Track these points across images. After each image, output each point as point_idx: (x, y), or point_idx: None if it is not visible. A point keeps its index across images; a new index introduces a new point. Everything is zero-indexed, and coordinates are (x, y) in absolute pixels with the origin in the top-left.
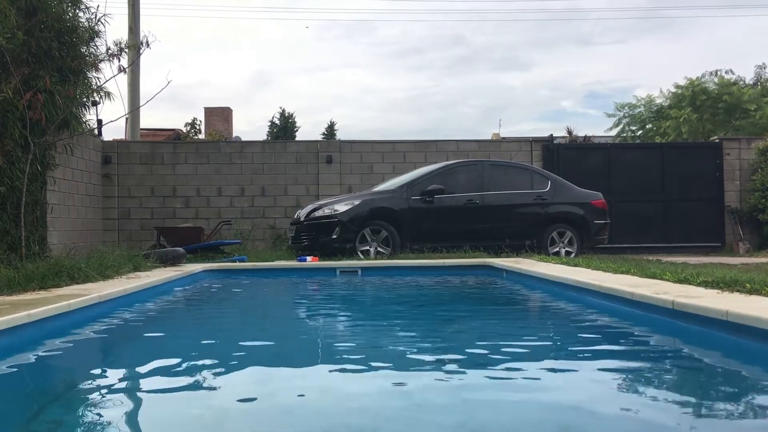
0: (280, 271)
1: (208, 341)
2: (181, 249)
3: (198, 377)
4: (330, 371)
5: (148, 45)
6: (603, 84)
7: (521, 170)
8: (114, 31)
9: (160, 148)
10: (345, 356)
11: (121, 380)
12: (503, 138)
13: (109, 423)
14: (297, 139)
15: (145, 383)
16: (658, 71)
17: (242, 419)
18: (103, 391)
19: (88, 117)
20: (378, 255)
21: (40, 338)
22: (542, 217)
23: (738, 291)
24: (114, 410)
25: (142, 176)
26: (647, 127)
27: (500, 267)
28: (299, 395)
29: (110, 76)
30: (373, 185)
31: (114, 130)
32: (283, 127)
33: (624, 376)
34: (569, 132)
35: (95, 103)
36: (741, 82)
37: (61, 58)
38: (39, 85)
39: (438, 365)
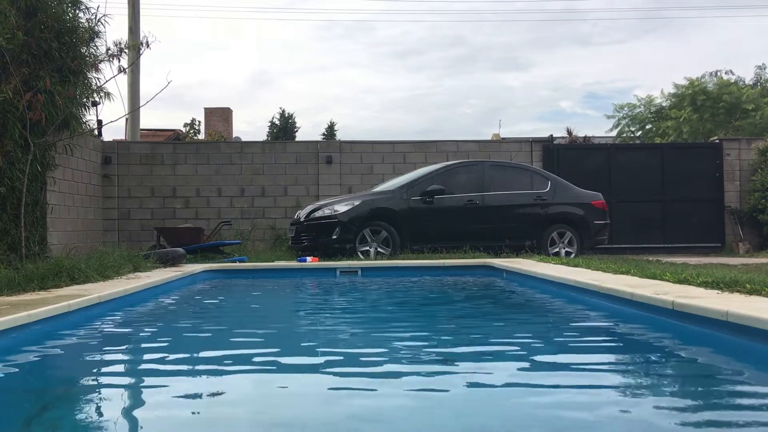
0: (280, 272)
1: (208, 342)
2: (181, 249)
3: (198, 377)
4: (330, 372)
5: (148, 45)
6: (602, 84)
7: (521, 170)
8: (114, 32)
9: (160, 148)
10: (345, 356)
11: (120, 381)
12: (503, 138)
13: (109, 423)
14: (297, 139)
15: (145, 384)
16: (657, 71)
17: (243, 419)
18: (103, 391)
19: (88, 117)
20: (378, 255)
21: (40, 339)
22: (542, 218)
23: (738, 291)
24: (114, 411)
25: (142, 177)
26: (647, 127)
27: (500, 267)
28: (299, 395)
29: (110, 77)
30: (373, 185)
31: (114, 131)
32: (283, 128)
33: (623, 376)
34: (569, 132)
35: (95, 104)
36: (741, 83)
37: (61, 58)
38: (39, 86)
39: (438, 365)
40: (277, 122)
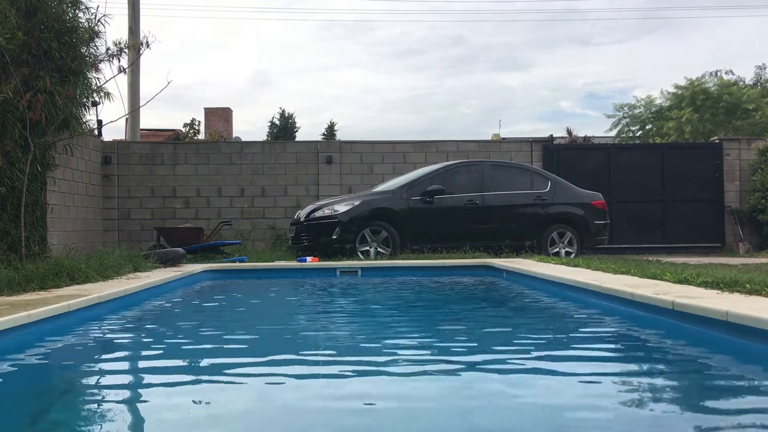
0: (280, 272)
1: (208, 341)
2: (181, 249)
3: (198, 377)
4: (331, 373)
5: (148, 45)
6: (602, 84)
7: (521, 170)
8: (114, 32)
9: (160, 148)
10: (345, 358)
11: (120, 381)
12: (503, 138)
13: (109, 424)
14: (297, 139)
15: (145, 384)
16: (657, 71)
17: (242, 419)
18: (103, 391)
19: (88, 117)
20: (378, 255)
21: (40, 339)
22: (542, 218)
23: (738, 291)
24: (114, 411)
25: (142, 176)
26: (647, 127)
27: (500, 267)
28: (299, 395)
29: (110, 77)
30: (373, 185)
31: (114, 131)
32: (283, 128)
33: (623, 376)
34: (569, 132)
35: (95, 104)
36: (741, 83)
37: (61, 58)
38: (39, 86)
39: (437, 366)
40: (277, 122)
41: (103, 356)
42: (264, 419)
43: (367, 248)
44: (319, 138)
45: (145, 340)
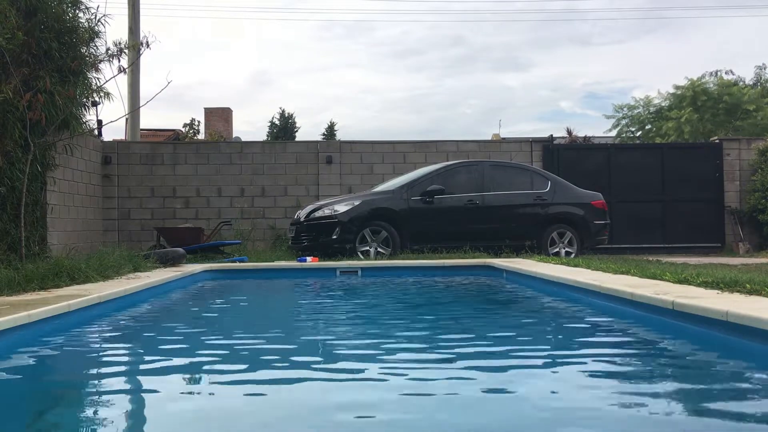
0: (280, 272)
1: (208, 342)
2: (181, 249)
3: (198, 377)
4: (331, 374)
5: (148, 45)
6: (602, 84)
7: (521, 170)
8: (114, 32)
9: (160, 148)
10: (345, 358)
11: (120, 381)
12: (503, 138)
13: (109, 424)
14: (297, 139)
15: (145, 384)
16: (657, 71)
17: (242, 419)
18: (103, 392)
19: (88, 117)
20: (378, 255)
21: (40, 339)
22: (542, 218)
23: (738, 291)
24: (113, 411)
25: (142, 176)
26: (647, 128)
27: (500, 267)
28: (298, 396)
29: (110, 77)
30: (373, 185)
31: (114, 131)
32: (283, 128)
33: (623, 376)
34: (569, 132)
35: (95, 104)
36: (741, 83)
37: (61, 58)
38: (39, 86)
39: (437, 366)
40: (277, 122)
41: (103, 356)
42: (264, 420)
43: (367, 248)
44: (319, 138)
45: (144, 340)
